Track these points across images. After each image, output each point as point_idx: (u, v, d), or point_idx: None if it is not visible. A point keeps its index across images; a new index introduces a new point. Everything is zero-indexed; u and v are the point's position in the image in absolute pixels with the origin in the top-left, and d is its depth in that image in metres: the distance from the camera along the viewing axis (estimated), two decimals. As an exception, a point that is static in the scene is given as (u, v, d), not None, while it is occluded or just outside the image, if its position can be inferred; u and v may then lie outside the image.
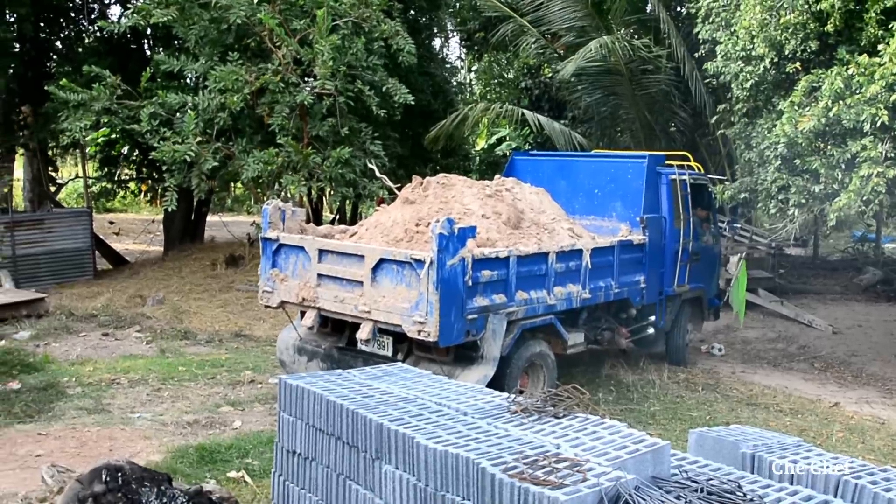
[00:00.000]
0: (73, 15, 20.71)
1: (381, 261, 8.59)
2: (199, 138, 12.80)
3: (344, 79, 13.17)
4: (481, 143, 29.90)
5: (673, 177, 11.84)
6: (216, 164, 13.06)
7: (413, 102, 14.25)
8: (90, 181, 26.42)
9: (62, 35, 21.27)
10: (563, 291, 9.76)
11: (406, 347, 9.09)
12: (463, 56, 32.45)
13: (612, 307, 11.16)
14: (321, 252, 9.20)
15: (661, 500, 3.71)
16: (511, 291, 9.05)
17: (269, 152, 12.83)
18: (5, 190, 23.59)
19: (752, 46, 11.61)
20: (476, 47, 27.90)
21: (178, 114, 13.23)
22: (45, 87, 14.28)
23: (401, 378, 5.77)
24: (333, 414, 5.04)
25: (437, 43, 28.22)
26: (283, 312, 10.25)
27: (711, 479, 4.05)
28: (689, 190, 12.04)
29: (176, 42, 16.60)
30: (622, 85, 18.34)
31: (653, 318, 11.72)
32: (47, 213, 20.34)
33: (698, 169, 12.78)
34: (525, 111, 19.52)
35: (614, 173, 11.80)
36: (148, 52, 19.63)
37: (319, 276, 9.22)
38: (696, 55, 15.64)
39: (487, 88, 29.84)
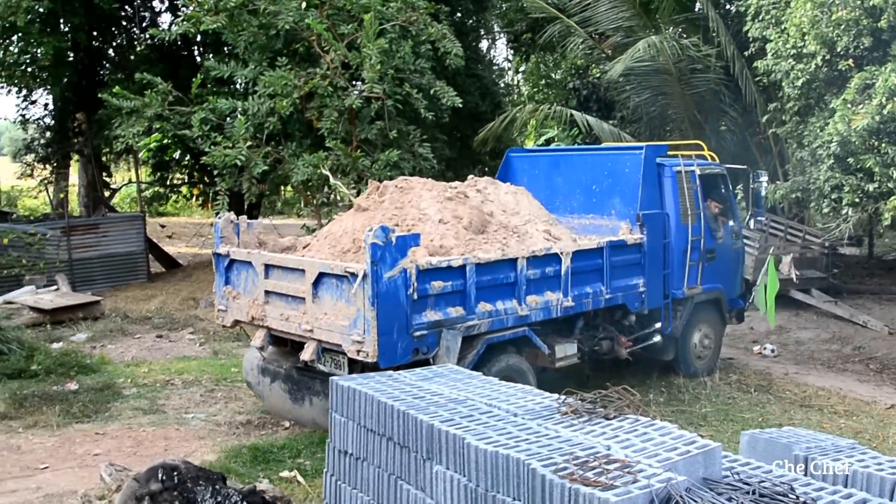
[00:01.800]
0: (124, 24, 21.11)
1: (321, 275, 7.95)
2: (249, 143, 12.94)
3: (392, 82, 13.21)
4: (530, 144, 29.87)
5: (678, 168, 10.84)
6: (266, 167, 13.18)
7: (461, 105, 14.23)
8: (143, 186, 26.90)
9: (115, 44, 21.69)
10: (538, 300, 8.92)
11: (360, 367, 8.11)
12: (510, 57, 32.49)
13: (611, 314, 10.43)
14: (267, 267, 8.64)
15: (712, 502, 3.70)
16: (470, 303, 8.26)
17: (318, 156, 12.94)
18: (61, 195, 24.12)
19: (803, 44, 11.47)
20: (523, 48, 27.93)
21: (228, 119, 13.39)
22: (99, 95, 14.52)
23: (451, 379, 5.81)
24: (385, 415, 5.09)
25: (484, 45, 28.30)
26: (242, 331, 9.62)
27: (763, 481, 4.01)
28: (698, 182, 11.08)
29: (225, 48, 16.77)
30: (671, 84, 18.25)
31: (658, 324, 10.73)
32: (102, 218, 20.68)
33: (712, 158, 11.95)
34: (573, 112, 19.51)
35: (611, 167, 10.86)
36: (198, 59, 19.94)
37: (266, 292, 8.67)
38: (746, 53, 15.49)
39: (535, 89, 29.81)
